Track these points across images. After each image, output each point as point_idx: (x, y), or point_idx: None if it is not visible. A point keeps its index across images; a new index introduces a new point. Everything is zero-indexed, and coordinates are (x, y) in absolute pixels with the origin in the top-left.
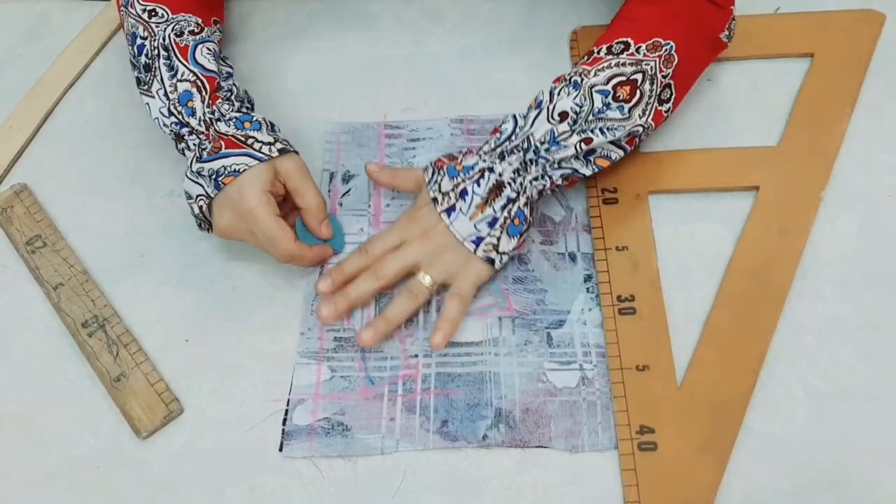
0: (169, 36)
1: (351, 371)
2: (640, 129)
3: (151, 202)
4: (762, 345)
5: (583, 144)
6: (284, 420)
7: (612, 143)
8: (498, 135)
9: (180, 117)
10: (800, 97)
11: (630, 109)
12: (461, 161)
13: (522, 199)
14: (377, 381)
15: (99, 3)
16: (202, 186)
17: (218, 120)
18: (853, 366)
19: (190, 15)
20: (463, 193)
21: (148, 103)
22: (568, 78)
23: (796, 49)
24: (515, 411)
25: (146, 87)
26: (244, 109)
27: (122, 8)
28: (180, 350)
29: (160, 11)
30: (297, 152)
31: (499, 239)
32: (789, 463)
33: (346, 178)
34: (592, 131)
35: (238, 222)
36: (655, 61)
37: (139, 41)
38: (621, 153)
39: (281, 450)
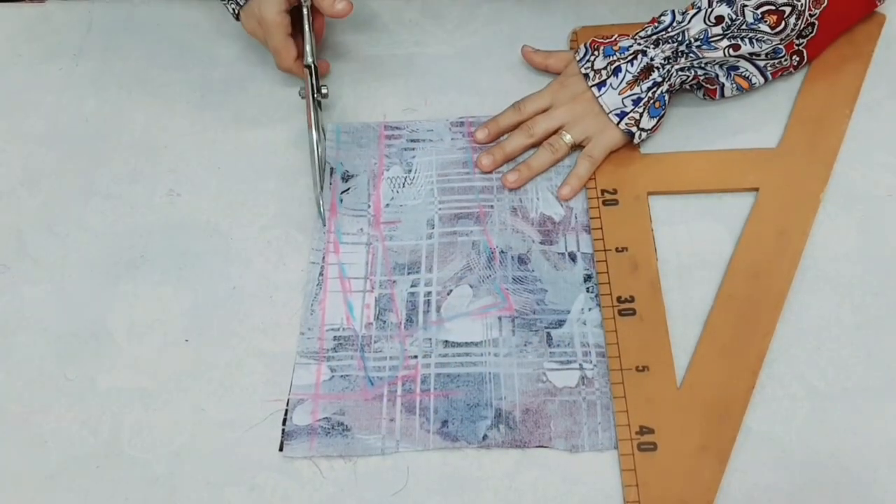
0: None
1: (350, 370)
2: (787, 60)
3: (151, 202)
4: (762, 345)
5: (731, 50)
6: (284, 420)
7: (755, 67)
8: (656, 24)
9: None
10: (799, 98)
11: (772, 35)
12: (617, 42)
13: (666, 86)
14: (376, 382)
15: (98, 2)
16: None
17: None
18: (853, 366)
19: None
20: (616, 70)
21: None
22: None
23: None
24: (515, 412)
25: None
26: None
27: None
28: (180, 350)
29: None
30: None
31: (641, 115)
32: (789, 463)
33: (346, 178)
34: (742, 39)
35: (259, 31)
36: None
37: None
38: (762, 80)
39: (281, 450)
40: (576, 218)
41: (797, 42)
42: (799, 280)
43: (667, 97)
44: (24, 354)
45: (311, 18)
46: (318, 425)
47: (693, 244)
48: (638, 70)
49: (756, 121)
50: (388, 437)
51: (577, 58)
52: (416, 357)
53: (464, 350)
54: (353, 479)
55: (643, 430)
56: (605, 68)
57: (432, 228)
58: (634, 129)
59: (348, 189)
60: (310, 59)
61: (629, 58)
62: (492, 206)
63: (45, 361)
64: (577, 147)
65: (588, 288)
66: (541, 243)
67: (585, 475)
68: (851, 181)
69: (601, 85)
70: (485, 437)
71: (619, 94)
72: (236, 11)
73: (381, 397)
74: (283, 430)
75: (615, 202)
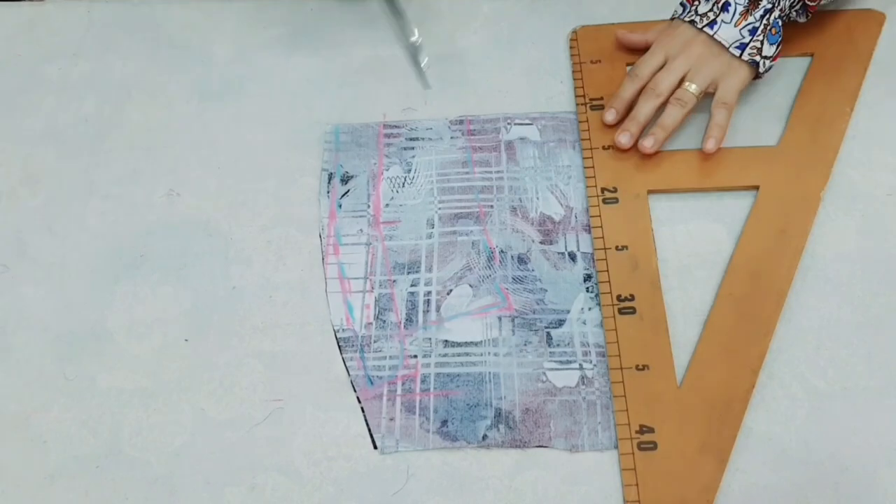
0: None
1: (350, 371)
2: None
3: (151, 202)
4: (762, 344)
5: None
6: None
7: None
8: None
9: None
10: (799, 97)
11: None
12: None
13: (777, 11)
14: (376, 382)
15: (97, 1)
16: None
17: None
18: (853, 366)
19: None
20: (725, 6)
21: None
22: None
23: (796, 49)
24: (515, 411)
25: None
26: None
27: None
28: (180, 350)
29: None
30: None
31: (761, 43)
32: (789, 462)
33: (345, 179)
34: None
35: None
36: None
37: None
38: None
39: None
40: (575, 217)
41: None
42: (799, 279)
43: (780, 23)
44: (23, 354)
45: None
46: None
47: (693, 243)
48: (747, 1)
49: (756, 119)
50: (387, 437)
51: (678, 14)
52: (415, 357)
53: (463, 350)
54: (353, 478)
55: (643, 430)
56: (710, 9)
57: (432, 228)
58: (758, 58)
59: (348, 191)
60: None
61: None
62: (492, 206)
63: (45, 361)
64: (704, 95)
65: (588, 287)
66: (541, 243)
67: (585, 475)
68: (852, 180)
69: (712, 24)
70: (484, 436)
71: (735, 26)
72: None
73: (381, 397)
74: None
75: (615, 200)
